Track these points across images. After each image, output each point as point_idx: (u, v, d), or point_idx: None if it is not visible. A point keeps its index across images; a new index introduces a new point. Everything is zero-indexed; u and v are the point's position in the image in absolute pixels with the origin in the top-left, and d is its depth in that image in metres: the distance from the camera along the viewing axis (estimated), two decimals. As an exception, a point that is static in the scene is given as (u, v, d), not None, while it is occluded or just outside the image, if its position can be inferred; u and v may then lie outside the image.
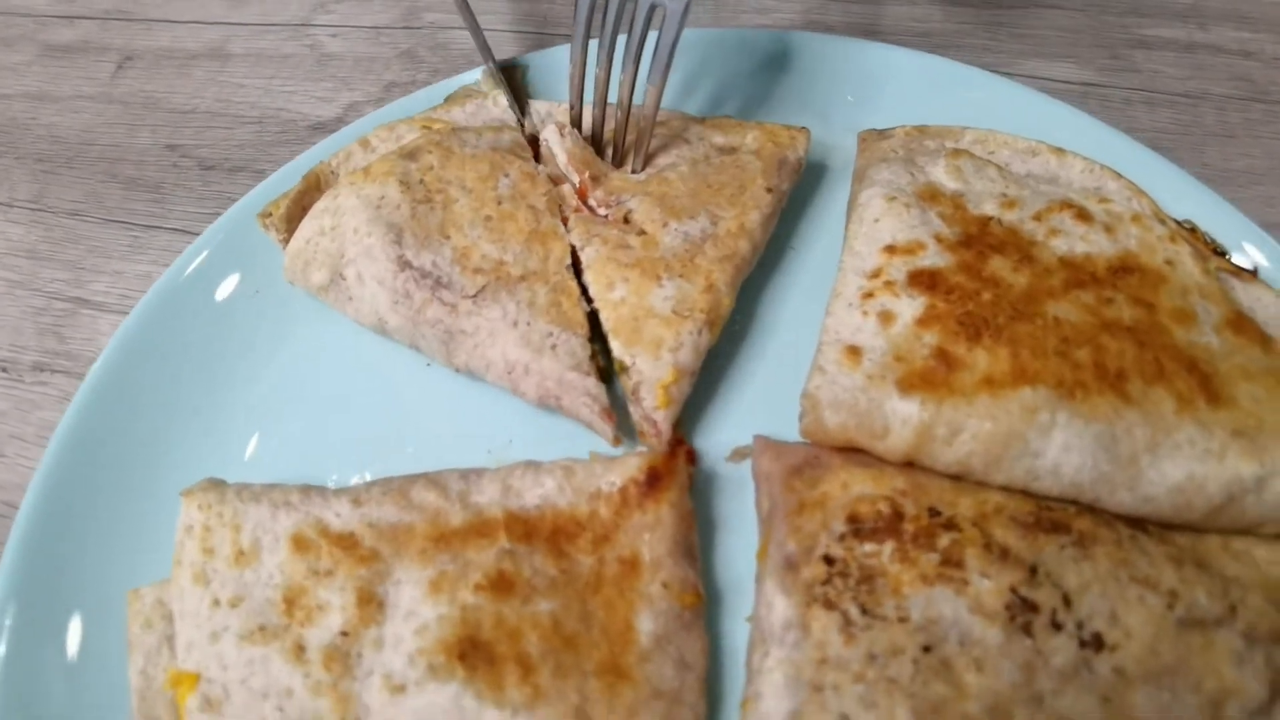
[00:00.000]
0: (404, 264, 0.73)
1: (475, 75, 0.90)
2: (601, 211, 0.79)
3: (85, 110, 1.03)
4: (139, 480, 0.70)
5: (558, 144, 0.82)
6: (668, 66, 0.76)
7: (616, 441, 0.70)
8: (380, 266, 0.73)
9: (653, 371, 0.69)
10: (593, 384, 0.69)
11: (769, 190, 0.78)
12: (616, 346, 0.70)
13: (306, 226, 0.76)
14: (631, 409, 0.70)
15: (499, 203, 0.77)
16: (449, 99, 0.89)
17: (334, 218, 0.76)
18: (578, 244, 0.77)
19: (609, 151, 0.85)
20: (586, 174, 0.81)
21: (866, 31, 1.03)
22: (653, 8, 0.75)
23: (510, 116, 0.87)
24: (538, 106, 0.88)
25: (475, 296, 0.71)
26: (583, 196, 0.80)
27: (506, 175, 0.79)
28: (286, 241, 0.77)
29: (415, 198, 0.76)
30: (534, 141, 0.86)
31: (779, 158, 0.81)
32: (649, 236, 0.76)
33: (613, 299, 0.72)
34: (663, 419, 0.68)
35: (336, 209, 0.76)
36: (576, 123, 0.85)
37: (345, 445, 0.73)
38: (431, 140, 0.80)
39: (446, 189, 0.77)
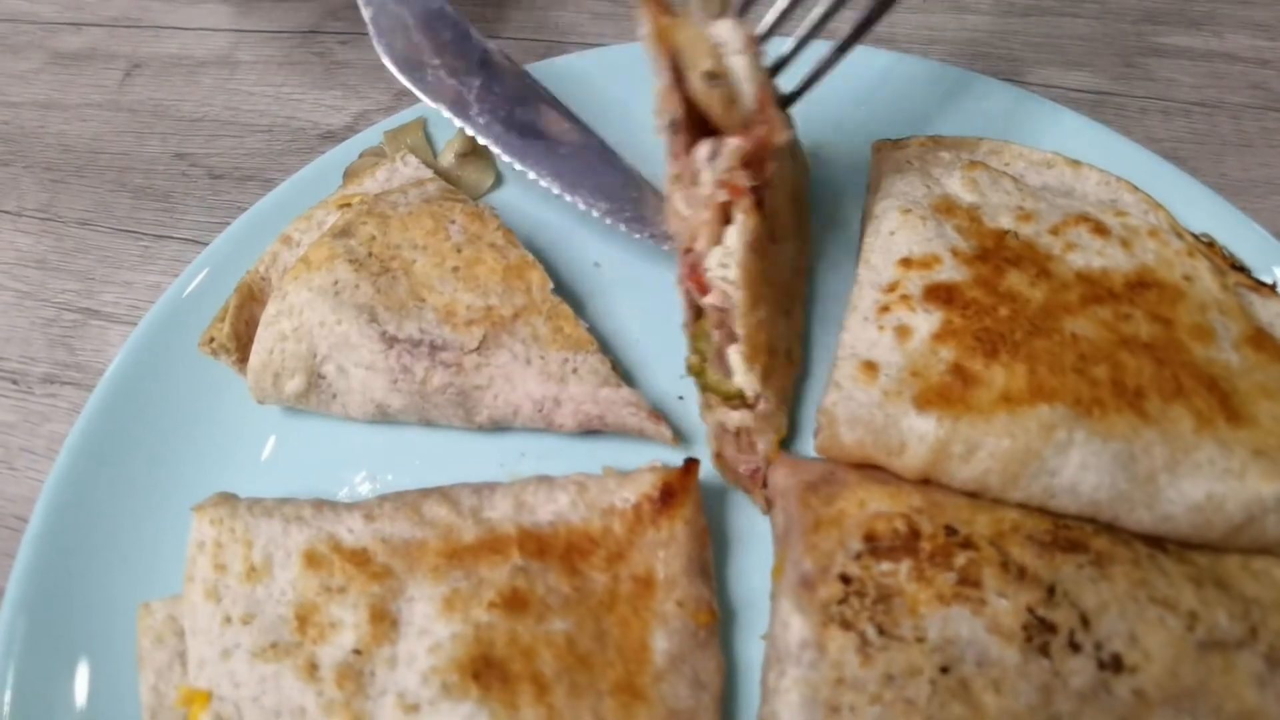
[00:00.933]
0: (390, 340, 0.69)
1: (366, 141, 0.87)
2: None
3: (94, 118, 1.02)
4: (149, 492, 0.70)
5: (750, 77, 0.59)
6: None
7: (676, 441, 0.69)
8: (364, 351, 0.69)
9: (770, 422, 0.65)
10: (628, 393, 0.69)
11: (808, 225, 0.76)
12: (749, 381, 0.64)
13: (265, 336, 0.70)
14: (718, 441, 0.67)
15: (459, 250, 0.74)
16: (349, 174, 0.84)
17: (293, 319, 0.71)
18: (743, 233, 0.61)
19: None
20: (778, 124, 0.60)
21: (880, 39, 1.02)
22: None
23: (425, 171, 0.83)
24: (718, 30, 0.64)
25: (479, 349, 0.69)
26: (764, 151, 0.60)
27: (453, 222, 0.76)
28: (240, 362, 0.72)
29: (371, 271, 0.72)
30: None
31: (804, 186, 0.79)
32: (775, 247, 0.67)
33: (756, 318, 0.63)
34: (764, 470, 0.66)
35: (291, 309, 0.71)
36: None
37: (357, 458, 0.72)
38: (360, 213, 0.76)
39: (399, 254, 0.73)
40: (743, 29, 0.61)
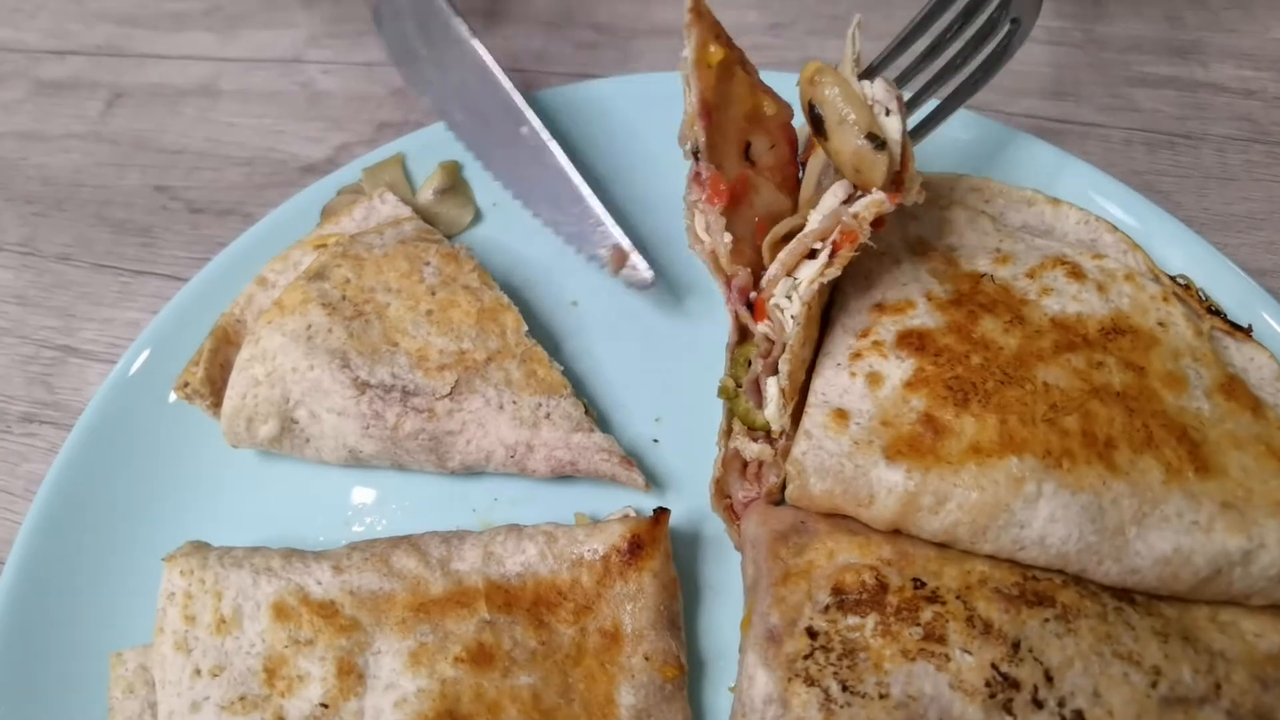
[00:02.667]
0: (362, 386, 0.69)
1: (345, 178, 0.86)
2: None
3: (75, 150, 1.02)
4: (124, 537, 0.70)
5: (899, 140, 0.60)
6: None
7: (649, 487, 0.69)
8: (336, 397, 0.69)
9: (786, 459, 0.64)
10: (601, 438, 0.69)
11: None
12: (781, 416, 0.64)
13: (238, 382, 0.70)
14: (725, 467, 0.66)
15: (433, 293, 0.73)
16: (327, 212, 0.83)
17: (266, 364, 0.70)
18: (826, 274, 0.62)
19: None
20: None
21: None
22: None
23: (403, 209, 0.82)
24: (871, 90, 0.66)
25: (451, 394, 0.69)
26: (893, 209, 0.62)
27: (428, 264, 0.75)
28: (214, 407, 0.72)
29: (345, 315, 0.71)
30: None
31: None
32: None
33: (802, 357, 0.65)
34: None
35: (264, 354, 0.71)
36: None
37: (331, 502, 0.72)
38: (335, 255, 0.76)
39: (373, 297, 0.73)
40: (895, 91, 0.61)
